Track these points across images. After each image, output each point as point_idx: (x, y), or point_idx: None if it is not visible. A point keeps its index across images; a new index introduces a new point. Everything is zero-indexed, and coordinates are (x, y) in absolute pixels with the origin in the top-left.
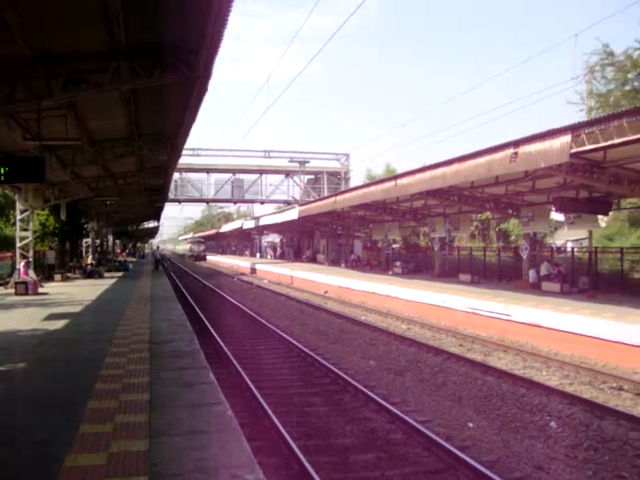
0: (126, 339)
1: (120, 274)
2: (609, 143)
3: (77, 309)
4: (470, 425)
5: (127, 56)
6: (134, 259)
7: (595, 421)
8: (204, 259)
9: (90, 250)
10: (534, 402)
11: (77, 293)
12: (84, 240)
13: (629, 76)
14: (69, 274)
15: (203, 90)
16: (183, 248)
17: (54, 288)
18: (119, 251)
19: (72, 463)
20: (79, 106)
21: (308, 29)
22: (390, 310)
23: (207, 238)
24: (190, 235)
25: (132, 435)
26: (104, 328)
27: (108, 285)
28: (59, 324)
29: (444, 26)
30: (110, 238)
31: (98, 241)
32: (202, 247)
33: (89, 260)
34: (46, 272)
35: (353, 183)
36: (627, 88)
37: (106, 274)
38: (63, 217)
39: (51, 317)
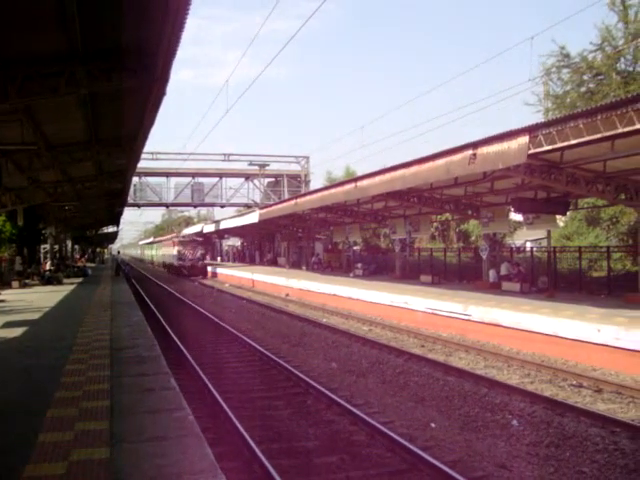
0: (86, 346)
1: (79, 280)
2: (565, 144)
3: (36, 316)
4: (432, 425)
5: (84, 59)
6: (93, 264)
7: (556, 418)
8: (204, 273)
9: (48, 256)
10: (496, 401)
11: (36, 300)
12: (42, 246)
13: (585, 78)
14: (27, 281)
15: (161, 93)
16: (156, 254)
17: (11, 295)
18: (78, 256)
19: (31, 473)
20: (35, 110)
21: (271, 32)
22: (351, 312)
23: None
24: (151, 239)
25: (93, 443)
26: (64, 335)
27: (67, 291)
28: (17, 332)
29: (404, 29)
30: (69, 243)
31: (57, 247)
32: (200, 252)
33: (47, 266)
34: (5, 278)
35: (313, 185)
36: (583, 89)
37: (65, 280)
38: (20, 223)
39: (9, 325)
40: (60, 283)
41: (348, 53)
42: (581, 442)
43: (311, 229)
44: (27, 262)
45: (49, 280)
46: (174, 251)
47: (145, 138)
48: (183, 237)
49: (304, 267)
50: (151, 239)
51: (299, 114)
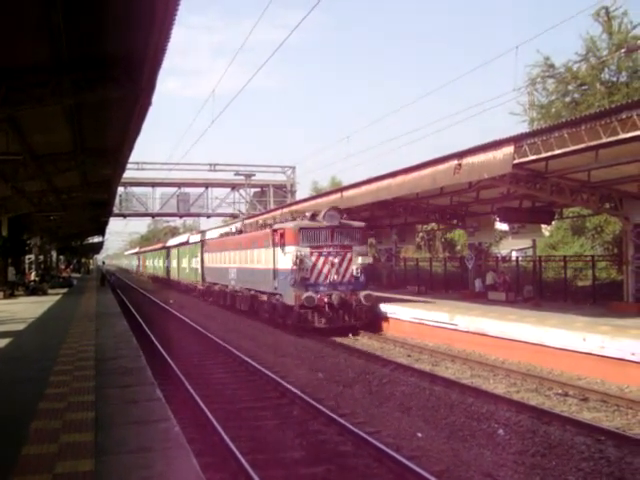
0: (71, 357)
1: (64, 290)
2: (550, 154)
3: (20, 327)
4: (419, 435)
5: (69, 70)
6: (79, 275)
7: (542, 427)
8: (376, 326)
9: (33, 266)
10: (482, 410)
11: (20, 311)
12: (27, 256)
13: (569, 88)
14: (14, 291)
15: (147, 103)
16: (192, 268)
17: None
18: (63, 267)
19: None
20: (21, 120)
21: (260, 42)
22: None
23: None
24: (139, 247)
25: (78, 455)
26: (48, 346)
27: (52, 302)
28: (1, 343)
29: (388, 39)
30: (54, 254)
31: (41, 257)
32: (362, 260)
33: (32, 277)
34: None
35: (299, 195)
36: (568, 99)
37: (50, 291)
38: (4, 233)
39: None
40: (45, 294)
41: (336, 63)
42: (567, 450)
43: None
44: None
45: (34, 291)
46: (285, 259)
47: (131, 148)
48: (314, 215)
49: None
50: (138, 246)
51: (286, 124)
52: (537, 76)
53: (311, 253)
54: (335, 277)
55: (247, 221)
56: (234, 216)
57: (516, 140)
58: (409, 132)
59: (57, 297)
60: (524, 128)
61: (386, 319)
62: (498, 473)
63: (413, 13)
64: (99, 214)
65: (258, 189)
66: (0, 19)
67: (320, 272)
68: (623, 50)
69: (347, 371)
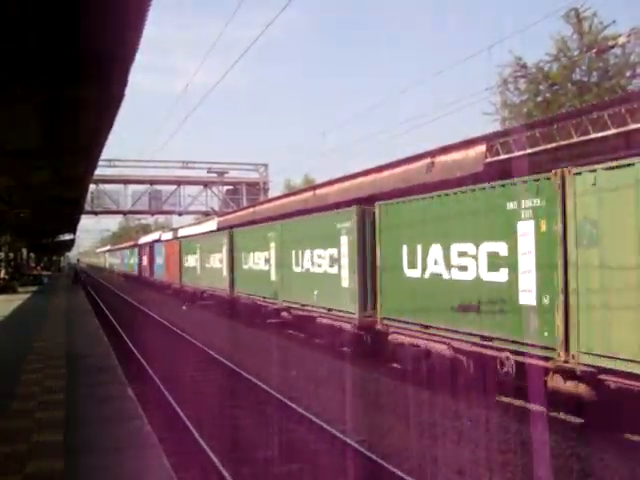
0: (42, 355)
1: (35, 288)
2: (522, 153)
3: None
4: (392, 433)
5: (41, 66)
6: (49, 272)
7: (514, 425)
8: None
9: (3, 264)
10: (454, 408)
11: None
12: None
13: (541, 88)
14: None
15: (119, 100)
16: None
17: None
18: (33, 265)
19: None
20: None
21: (237, 39)
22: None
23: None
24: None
25: (48, 454)
26: (19, 344)
27: (22, 300)
28: None
29: (363, 39)
30: (24, 251)
31: (11, 255)
32: None
33: (2, 274)
34: None
35: (272, 193)
36: (539, 99)
37: (20, 289)
38: None
39: None
40: (15, 292)
41: (311, 62)
42: (538, 448)
43: None
44: None
45: (3, 289)
46: None
47: (102, 145)
48: None
49: None
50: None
51: (260, 121)
52: (509, 76)
53: None
54: None
55: None
56: (206, 214)
57: (488, 139)
58: (382, 131)
59: (27, 295)
60: (496, 128)
61: None
62: (470, 470)
63: (387, 10)
64: (70, 211)
65: (231, 187)
66: None
67: None
68: (594, 50)
69: None
